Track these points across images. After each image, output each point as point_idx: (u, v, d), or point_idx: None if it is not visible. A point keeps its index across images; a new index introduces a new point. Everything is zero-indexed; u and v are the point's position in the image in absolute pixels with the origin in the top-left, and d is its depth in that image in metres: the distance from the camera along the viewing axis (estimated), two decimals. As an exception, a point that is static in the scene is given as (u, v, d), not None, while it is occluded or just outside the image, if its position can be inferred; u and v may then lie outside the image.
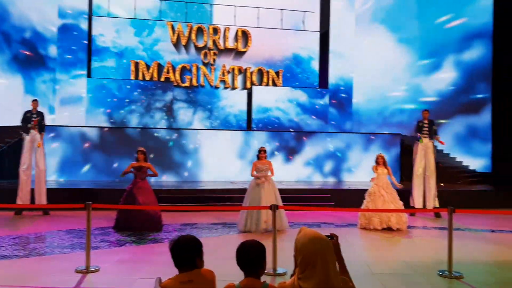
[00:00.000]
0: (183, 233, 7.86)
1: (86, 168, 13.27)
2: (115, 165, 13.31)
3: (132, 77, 16.11)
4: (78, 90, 15.43)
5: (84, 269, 5.49)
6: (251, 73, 17.08)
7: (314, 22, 17.63)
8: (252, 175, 8.44)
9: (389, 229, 8.52)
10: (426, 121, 10.48)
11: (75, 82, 15.46)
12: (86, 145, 13.29)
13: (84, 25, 15.76)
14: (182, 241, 2.61)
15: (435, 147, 10.52)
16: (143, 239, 7.46)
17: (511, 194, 12.04)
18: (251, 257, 2.46)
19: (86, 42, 15.80)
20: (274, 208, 5.77)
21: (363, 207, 8.79)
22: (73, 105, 15.34)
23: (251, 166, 8.62)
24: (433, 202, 10.28)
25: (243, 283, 2.45)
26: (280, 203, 8.13)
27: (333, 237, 2.51)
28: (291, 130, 15.61)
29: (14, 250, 6.55)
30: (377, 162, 9.01)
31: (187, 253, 2.57)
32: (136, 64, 16.25)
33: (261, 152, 8.55)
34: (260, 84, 17.02)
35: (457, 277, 5.53)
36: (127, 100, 15.42)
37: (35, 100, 9.85)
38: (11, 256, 6.18)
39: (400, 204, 8.73)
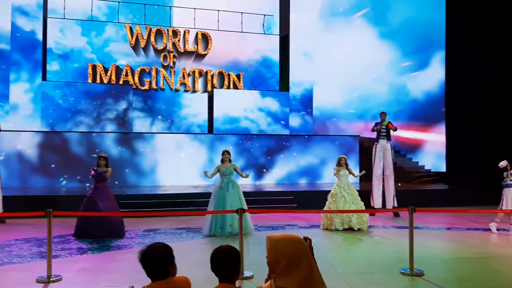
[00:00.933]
0: (146, 239, 7.80)
1: (41, 174, 12.84)
2: (73, 170, 12.96)
3: (90, 80, 15.71)
4: (30, 94, 14.91)
5: (46, 279, 5.31)
6: (212, 76, 17.03)
7: (274, 26, 17.76)
8: (208, 176, 8.43)
9: (350, 229, 8.70)
10: (384, 123, 10.75)
11: (27, 85, 14.93)
12: (40, 150, 12.86)
13: (38, 27, 15.25)
14: (151, 250, 2.56)
15: (392, 148, 10.82)
16: (105, 246, 7.29)
17: (465, 192, 12.55)
18: (226, 263, 2.45)
19: (41, 45, 15.29)
20: (241, 211, 5.77)
21: (325, 208, 8.93)
22: (25, 110, 14.81)
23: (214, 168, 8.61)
24: (392, 202, 10.56)
25: (218, 289, 2.44)
26: (245, 207, 8.14)
27: (306, 240, 2.54)
28: (254, 133, 15.63)
29: (-32, 262, 6.26)
30: (339, 164, 9.19)
31: (158, 261, 2.53)
32: (94, 67, 15.87)
33: (224, 154, 8.54)
34: (221, 87, 16.99)
35: (418, 274, 5.70)
36: (82, 104, 15.00)
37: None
38: (-35, 268, 5.90)
39: (361, 205, 8.93)
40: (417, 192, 12.52)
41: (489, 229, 8.82)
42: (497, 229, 8.74)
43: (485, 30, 13.47)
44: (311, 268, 2.25)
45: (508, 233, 8.61)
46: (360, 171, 14.44)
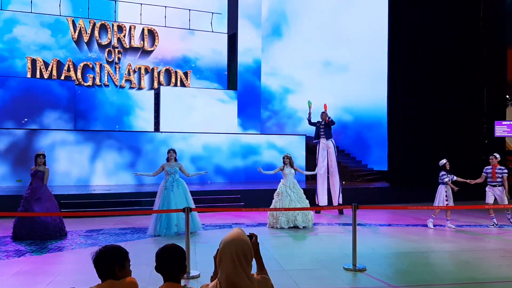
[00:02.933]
0: (88, 240, 7.57)
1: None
2: (10, 169, 12.37)
3: (29, 75, 15.02)
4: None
5: (-21, 284, 5.04)
6: (159, 73, 16.74)
7: (222, 24, 17.70)
8: (153, 175, 8.44)
9: (295, 227, 8.83)
10: (323, 122, 10.91)
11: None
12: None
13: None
14: (101, 251, 2.53)
15: (335, 146, 11.06)
16: (45, 248, 7.00)
17: (405, 190, 13.05)
18: (171, 261, 2.43)
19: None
20: (187, 210, 5.72)
21: (271, 206, 9.02)
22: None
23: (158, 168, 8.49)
24: (337, 199, 10.81)
25: (163, 288, 2.41)
26: (192, 205, 8.08)
27: (252, 237, 2.56)
28: (200, 132, 15.50)
29: None
30: (283, 163, 9.31)
31: (105, 263, 2.49)
32: (33, 61, 15.19)
33: (170, 152, 8.45)
34: (168, 84, 16.74)
35: (361, 269, 5.88)
36: (20, 100, 14.32)
37: None
38: None
39: (306, 203, 9.08)
40: (361, 190, 12.90)
41: (427, 225, 9.21)
42: (434, 225, 9.15)
43: (427, 35, 14.04)
44: (234, 265, 2.27)
45: (444, 229, 9.04)
46: (306, 170, 14.80)
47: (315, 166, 11.23)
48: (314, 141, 11.41)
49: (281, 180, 9.26)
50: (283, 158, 9.39)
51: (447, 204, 8.95)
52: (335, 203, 10.76)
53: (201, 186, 12.85)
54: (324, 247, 7.50)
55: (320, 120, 10.92)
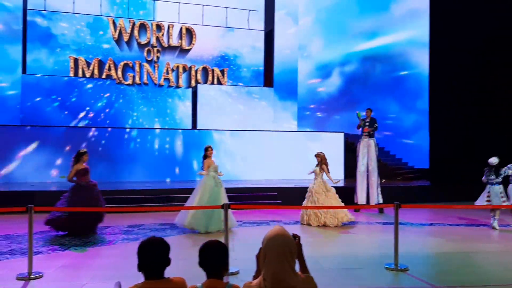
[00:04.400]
0: (130, 235, 7.70)
1: (19, 169, 12.60)
2: (53, 167, 12.76)
3: (71, 74, 15.44)
4: (9, 87, 14.61)
5: (26, 276, 5.19)
6: (196, 71, 16.88)
7: (259, 21, 17.68)
8: (203, 173, 8.33)
9: (324, 226, 8.72)
10: (368, 119, 10.79)
11: (9, 79, 14.63)
12: (19, 145, 12.62)
13: (18, 19, 14.93)
14: (152, 244, 2.44)
15: (376, 145, 10.87)
16: (89, 242, 7.17)
17: (447, 189, 12.68)
18: (214, 258, 2.41)
19: (20, 36, 14.98)
20: (226, 207, 5.72)
21: (304, 204, 8.96)
22: (7, 104, 14.52)
23: (203, 164, 8.45)
24: (376, 198, 10.61)
25: (206, 285, 2.40)
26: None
27: (295, 238, 2.51)
28: (236, 129, 15.54)
29: None
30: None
31: (157, 258, 2.41)
32: (76, 61, 15.61)
33: (210, 149, 8.49)
34: (205, 82, 16.87)
35: (403, 269, 5.73)
36: (64, 98, 14.75)
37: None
38: None
39: (339, 201, 8.94)
40: (400, 189, 12.61)
41: (470, 225, 8.92)
42: (478, 225, 8.84)
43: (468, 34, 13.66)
44: (281, 265, 2.23)
45: (489, 229, 8.70)
46: (344, 169, 14.63)
47: (355, 164, 11.07)
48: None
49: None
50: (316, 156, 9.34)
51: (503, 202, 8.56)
52: (374, 201, 10.56)
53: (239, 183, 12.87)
54: (364, 246, 7.37)
55: (365, 117, 10.77)
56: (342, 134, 15.23)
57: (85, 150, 8.09)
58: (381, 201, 10.57)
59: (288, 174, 14.42)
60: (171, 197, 10.70)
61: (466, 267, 6.03)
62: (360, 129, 10.80)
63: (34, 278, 5.18)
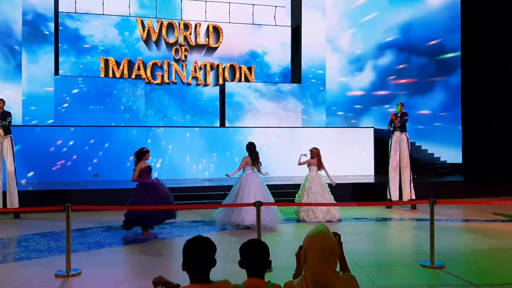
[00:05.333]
0: (163, 231, 7.78)
1: (56, 169, 12.90)
2: (89, 167, 13.03)
3: (102, 75, 15.74)
4: (45, 88, 14.99)
5: (65, 274, 5.31)
6: (223, 69, 16.96)
7: (285, 17, 17.60)
8: (238, 170, 8.32)
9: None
10: (399, 114, 10.62)
11: (41, 79, 15.02)
12: (57, 144, 12.92)
13: (50, 21, 15.28)
14: (204, 244, 2.38)
15: (408, 139, 10.68)
16: (123, 240, 7.29)
17: (481, 184, 12.38)
18: (257, 256, 2.40)
19: (52, 38, 15.34)
20: (258, 204, 5.71)
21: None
22: (40, 104, 14.90)
23: (242, 161, 8.42)
24: (409, 194, 10.43)
25: (247, 284, 2.40)
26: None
27: (335, 236, 2.48)
28: (264, 126, 15.53)
29: (-13, 256, 6.30)
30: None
31: (203, 259, 2.34)
32: (106, 61, 15.89)
33: (254, 144, 8.49)
34: (233, 80, 16.92)
35: (439, 267, 5.62)
36: (96, 98, 15.04)
37: (1, 100, 9.44)
38: (-15, 263, 5.92)
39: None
40: (433, 184, 12.37)
41: (507, 221, 8.69)
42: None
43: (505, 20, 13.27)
44: (322, 263, 2.20)
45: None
46: (375, 165, 14.43)
47: (386, 160, 10.92)
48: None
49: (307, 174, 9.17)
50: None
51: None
52: (407, 197, 10.39)
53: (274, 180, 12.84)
54: (397, 243, 7.27)
55: (397, 112, 10.61)
56: (372, 130, 15.03)
57: (147, 148, 7.89)
58: (413, 197, 10.39)
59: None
60: (205, 194, 10.77)
61: (505, 264, 5.87)
62: (392, 127, 10.61)
63: (73, 275, 5.29)
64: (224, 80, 16.80)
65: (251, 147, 8.48)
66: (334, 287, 2.21)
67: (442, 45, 16.50)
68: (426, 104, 16.35)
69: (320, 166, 9.08)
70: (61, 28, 15.57)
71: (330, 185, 9.18)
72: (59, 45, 15.55)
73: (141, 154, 7.66)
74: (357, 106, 17.42)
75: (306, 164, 9.20)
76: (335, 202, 8.94)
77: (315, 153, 9.16)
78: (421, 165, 14.24)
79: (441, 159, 15.32)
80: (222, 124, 16.12)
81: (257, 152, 8.49)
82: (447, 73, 16.22)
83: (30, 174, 12.65)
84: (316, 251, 2.22)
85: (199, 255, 2.32)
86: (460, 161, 14.56)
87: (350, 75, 17.55)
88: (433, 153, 15.55)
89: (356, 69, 17.49)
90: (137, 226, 7.58)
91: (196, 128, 14.57)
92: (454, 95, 15.55)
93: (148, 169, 7.65)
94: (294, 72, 17.73)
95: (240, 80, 16.94)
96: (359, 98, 17.39)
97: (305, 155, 9.26)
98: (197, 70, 16.73)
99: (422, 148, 15.71)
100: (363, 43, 17.34)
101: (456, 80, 15.82)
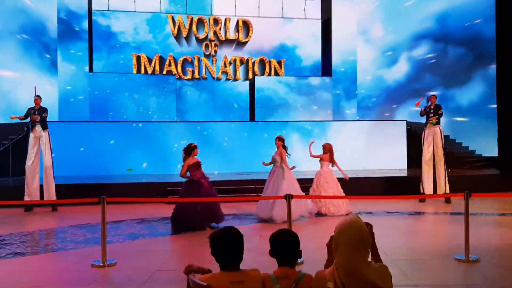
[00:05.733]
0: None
1: (91, 163, 13.23)
2: (122, 160, 13.30)
3: (134, 71, 16.02)
4: (80, 86, 15.39)
5: (101, 264, 5.46)
6: (253, 63, 16.98)
7: (315, 10, 17.45)
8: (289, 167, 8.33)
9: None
10: (432, 106, 10.41)
11: (76, 76, 15.42)
12: (91, 139, 13.24)
13: (83, 20, 15.66)
14: (233, 234, 2.43)
15: (442, 132, 10.45)
16: (155, 231, 7.43)
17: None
18: (287, 245, 2.42)
19: (86, 36, 15.72)
20: (289, 197, 5.72)
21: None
22: (75, 100, 15.31)
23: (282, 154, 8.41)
24: (443, 187, 10.23)
25: (278, 273, 2.41)
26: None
27: (367, 226, 2.47)
28: (294, 120, 15.49)
29: (26, 247, 6.53)
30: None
31: (238, 249, 2.40)
32: (138, 58, 16.15)
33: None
34: (262, 74, 16.92)
35: (474, 261, 5.50)
36: (127, 94, 15.33)
37: (38, 96, 9.75)
38: (24, 253, 6.14)
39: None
40: (468, 178, 12.08)
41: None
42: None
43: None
44: (352, 252, 2.19)
45: None
46: (408, 158, 14.21)
47: (419, 153, 10.73)
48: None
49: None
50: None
51: None
52: (441, 191, 10.19)
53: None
54: (431, 237, 7.16)
55: (429, 104, 10.40)
56: (404, 123, 14.78)
57: (195, 143, 7.79)
58: (448, 191, 10.17)
59: (350, 164, 14.17)
60: (236, 188, 10.84)
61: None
62: (425, 116, 10.43)
63: (108, 266, 5.43)
64: (254, 74, 16.82)
65: (282, 139, 8.50)
66: (366, 275, 2.20)
67: (479, 34, 15.87)
68: (464, 95, 15.91)
69: (332, 161, 8.98)
70: (94, 25, 15.93)
71: (344, 179, 9.08)
72: (93, 42, 15.91)
73: (189, 150, 7.59)
74: (391, 99, 17.11)
75: (318, 159, 9.08)
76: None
77: (327, 148, 9.08)
78: (455, 158, 13.93)
79: (476, 152, 14.93)
80: (252, 119, 16.16)
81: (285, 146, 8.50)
82: (484, 64, 15.71)
83: (66, 168, 12.99)
84: (347, 240, 2.21)
85: (225, 245, 2.37)
86: (496, 155, 14.15)
87: (383, 67, 17.24)
88: (467, 146, 15.18)
89: (390, 61, 17.13)
90: (185, 227, 7.30)
91: (226, 123, 14.67)
92: (491, 86, 15.07)
93: (197, 165, 7.56)
94: (325, 65, 17.58)
95: (269, 74, 16.92)
96: (392, 90, 17.04)
97: (313, 142, 9.21)
98: (227, 65, 16.81)
99: (457, 141, 15.35)
100: (396, 34, 16.94)
101: (493, 71, 15.33)
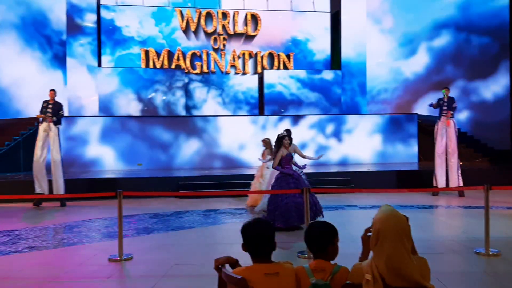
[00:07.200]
0: (208, 219, 7.85)
1: (100, 158, 13.22)
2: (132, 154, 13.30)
3: (143, 66, 15.97)
4: (90, 80, 15.40)
5: (118, 258, 5.43)
6: (262, 57, 16.88)
7: (324, 2, 17.29)
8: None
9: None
10: (446, 99, 10.30)
11: (85, 71, 15.42)
12: (99, 135, 13.23)
13: (92, 14, 15.64)
14: (266, 225, 2.39)
15: (455, 125, 10.34)
16: (170, 226, 7.40)
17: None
18: (322, 238, 2.36)
19: (95, 30, 15.70)
20: (306, 191, 5.67)
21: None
22: (83, 95, 15.32)
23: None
24: (457, 181, 10.13)
25: (313, 265, 2.36)
26: None
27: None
28: (303, 114, 15.40)
29: (42, 242, 6.52)
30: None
31: (270, 239, 2.36)
32: (146, 52, 16.10)
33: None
34: (271, 68, 16.82)
35: (495, 254, 5.43)
36: (137, 89, 15.29)
37: (52, 90, 9.72)
38: (40, 248, 6.13)
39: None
40: (481, 171, 11.97)
41: None
42: None
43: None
44: (397, 246, 2.13)
45: None
46: (419, 151, 14.12)
47: (430, 147, 10.65)
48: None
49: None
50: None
51: None
52: (454, 184, 10.09)
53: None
54: (448, 231, 7.09)
55: (443, 97, 10.29)
56: (415, 116, 14.66)
57: (284, 133, 7.43)
58: (461, 184, 10.08)
59: (360, 158, 14.12)
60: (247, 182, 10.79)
61: None
62: (438, 109, 10.32)
63: (125, 260, 5.40)
64: (263, 68, 16.73)
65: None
66: (409, 268, 2.14)
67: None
68: (472, 89, 15.72)
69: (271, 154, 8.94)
70: (102, 20, 15.88)
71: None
72: (101, 36, 15.87)
73: (279, 141, 7.18)
74: (409, 92, 16.69)
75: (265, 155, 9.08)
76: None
77: (268, 143, 9.04)
78: (467, 151, 13.82)
79: (488, 146, 14.80)
80: (261, 113, 16.09)
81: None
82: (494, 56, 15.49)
83: (76, 162, 12.99)
84: (391, 232, 2.16)
85: (259, 236, 2.33)
86: (508, 148, 14.03)
87: (401, 58, 16.85)
88: (479, 140, 15.05)
89: (408, 52, 16.75)
90: (280, 224, 6.76)
91: (236, 117, 14.62)
92: (501, 79, 14.90)
93: (289, 157, 7.22)
94: (335, 59, 17.45)
95: (278, 68, 16.82)
96: (411, 83, 16.64)
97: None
98: (236, 59, 16.72)
99: (468, 134, 15.23)
100: (415, 24, 16.50)
101: (503, 64, 15.15)
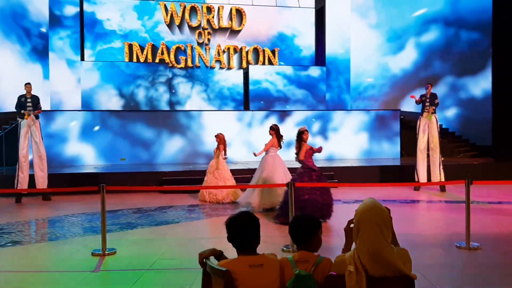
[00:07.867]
0: (192, 214, 7.84)
1: (82, 153, 13.08)
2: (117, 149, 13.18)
3: (126, 59, 15.83)
4: (73, 75, 15.21)
5: (101, 252, 5.40)
6: (247, 52, 16.87)
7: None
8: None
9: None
10: (428, 95, 10.42)
11: (67, 64, 15.22)
12: (82, 128, 13.08)
13: (75, 7, 15.43)
14: (250, 218, 2.41)
15: (438, 121, 10.47)
16: (154, 221, 7.37)
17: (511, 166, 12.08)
18: (305, 230, 2.39)
19: (78, 24, 15.51)
20: (291, 185, 5.69)
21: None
22: (66, 89, 15.14)
23: (268, 142, 8.38)
24: (438, 175, 10.27)
25: (297, 257, 2.38)
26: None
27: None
28: (287, 109, 15.44)
29: (25, 236, 6.45)
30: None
31: (255, 232, 2.39)
32: (130, 46, 15.96)
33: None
34: (256, 63, 16.82)
35: (475, 248, 5.53)
36: (120, 83, 15.15)
37: (28, 84, 9.53)
38: (23, 242, 6.06)
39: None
40: (462, 166, 12.15)
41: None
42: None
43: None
44: (376, 237, 2.17)
45: None
46: (401, 147, 14.27)
47: (412, 142, 10.77)
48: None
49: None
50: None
51: None
52: (436, 179, 10.23)
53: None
54: (429, 225, 7.21)
55: (425, 93, 10.39)
56: (397, 112, 14.80)
57: (305, 127, 7.35)
58: (443, 179, 10.22)
59: (346, 153, 14.20)
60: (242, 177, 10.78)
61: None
62: (421, 105, 10.43)
63: (109, 254, 5.37)
64: (248, 63, 16.72)
65: (275, 128, 8.42)
66: (389, 258, 2.18)
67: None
68: (454, 85, 15.90)
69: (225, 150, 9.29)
70: (85, 13, 15.68)
71: None
72: (84, 30, 15.68)
73: (300, 135, 7.17)
74: (397, 87, 16.60)
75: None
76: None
77: (222, 138, 9.31)
78: (449, 147, 14.01)
79: (470, 142, 15.00)
80: (246, 108, 16.08)
81: (281, 134, 8.43)
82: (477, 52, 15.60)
83: (58, 157, 12.83)
84: (370, 223, 2.20)
85: (244, 228, 2.36)
86: (490, 144, 14.22)
87: (388, 54, 16.80)
88: (461, 136, 15.25)
89: (396, 48, 16.67)
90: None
91: (220, 112, 14.59)
92: (483, 75, 15.04)
93: (311, 152, 7.20)
94: (319, 55, 17.52)
95: (263, 63, 16.83)
96: (399, 78, 16.61)
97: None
98: (221, 54, 16.68)
99: (450, 130, 15.42)
100: (403, 19, 16.40)
101: (485, 59, 15.26)
